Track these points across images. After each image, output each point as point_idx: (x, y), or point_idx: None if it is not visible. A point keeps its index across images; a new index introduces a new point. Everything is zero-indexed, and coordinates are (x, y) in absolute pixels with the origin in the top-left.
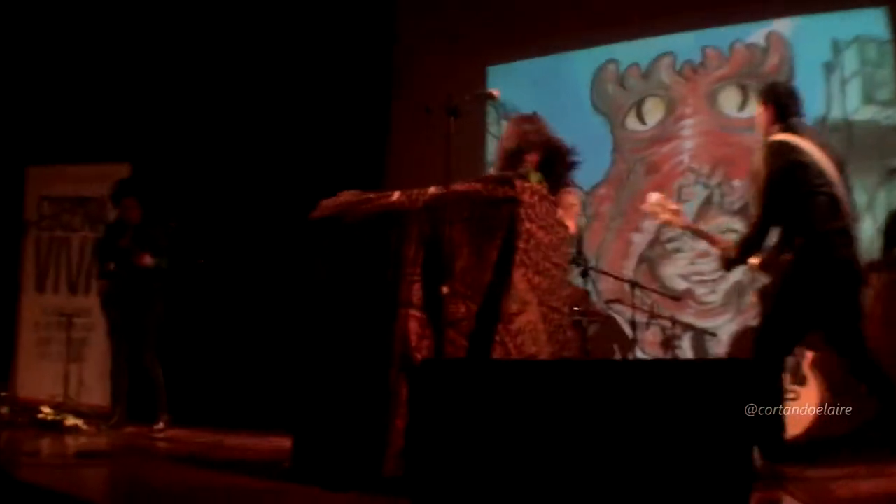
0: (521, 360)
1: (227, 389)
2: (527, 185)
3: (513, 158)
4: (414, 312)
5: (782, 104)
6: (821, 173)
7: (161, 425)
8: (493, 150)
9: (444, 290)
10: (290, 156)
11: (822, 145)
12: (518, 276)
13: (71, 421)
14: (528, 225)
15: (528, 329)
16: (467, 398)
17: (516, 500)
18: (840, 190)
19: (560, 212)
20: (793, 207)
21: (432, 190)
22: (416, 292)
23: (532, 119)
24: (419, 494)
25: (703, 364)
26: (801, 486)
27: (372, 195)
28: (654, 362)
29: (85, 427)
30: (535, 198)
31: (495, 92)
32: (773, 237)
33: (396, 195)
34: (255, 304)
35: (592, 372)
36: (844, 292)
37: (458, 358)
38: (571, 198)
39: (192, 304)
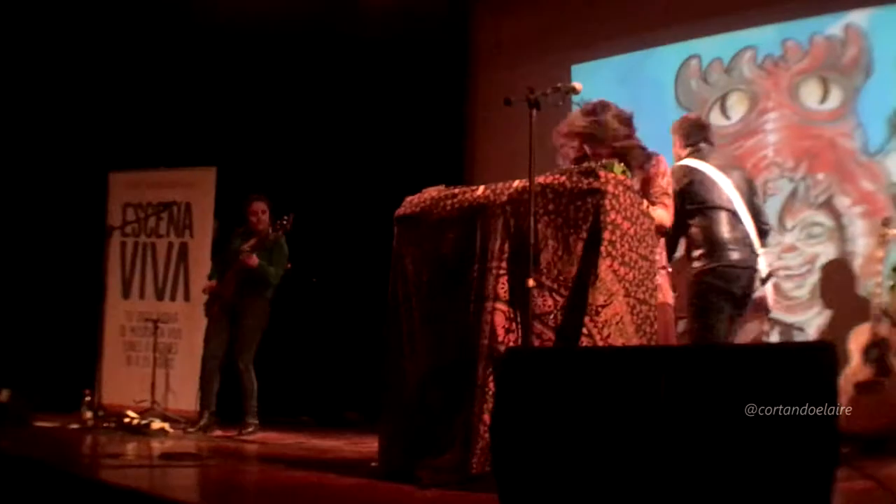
0: (605, 348)
1: (316, 389)
2: (611, 175)
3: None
4: (500, 306)
5: (686, 133)
6: (719, 191)
7: (250, 429)
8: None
9: (531, 283)
10: (373, 153)
11: (729, 167)
12: (604, 267)
13: (157, 424)
14: (613, 216)
15: (616, 321)
16: (553, 388)
17: (605, 493)
18: (739, 205)
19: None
20: (693, 220)
21: (516, 183)
22: (503, 286)
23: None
24: (507, 491)
25: (787, 349)
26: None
27: (456, 190)
28: (743, 348)
29: (171, 430)
30: (620, 188)
31: (577, 85)
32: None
33: (481, 190)
34: (346, 302)
35: (679, 358)
36: (734, 293)
37: (542, 347)
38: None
39: (286, 304)
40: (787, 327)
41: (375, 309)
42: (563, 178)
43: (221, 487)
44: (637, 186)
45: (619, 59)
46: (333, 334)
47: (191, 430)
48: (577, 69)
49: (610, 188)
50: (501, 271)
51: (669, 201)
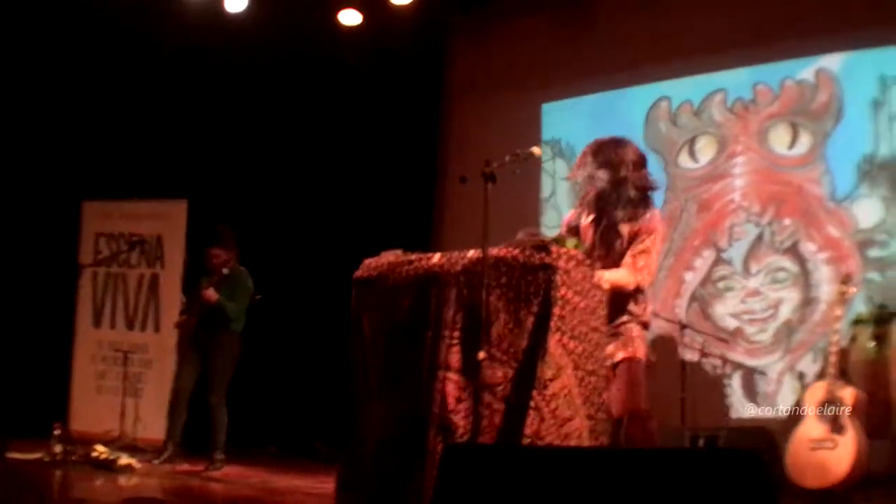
0: (543, 448)
1: (285, 419)
2: (563, 251)
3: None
4: (452, 375)
5: None
6: None
7: (217, 464)
8: (547, 187)
9: (482, 355)
10: (344, 186)
11: None
12: (553, 342)
13: (124, 460)
14: (564, 291)
15: (563, 394)
16: (491, 485)
17: None
18: None
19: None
20: None
21: (471, 254)
22: (455, 355)
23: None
24: None
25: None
26: None
27: (413, 257)
28: (674, 452)
29: (138, 466)
30: (572, 263)
31: (536, 151)
32: None
33: (437, 257)
34: (315, 332)
35: (616, 461)
36: None
37: (481, 444)
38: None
39: (257, 335)
40: (748, 371)
41: (344, 339)
42: (517, 251)
43: None
44: (625, 234)
45: (589, 99)
46: (303, 365)
47: (156, 461)
48: (547, 108)
49: (561, 263)
50: (454, 341)
51: (645, 261)
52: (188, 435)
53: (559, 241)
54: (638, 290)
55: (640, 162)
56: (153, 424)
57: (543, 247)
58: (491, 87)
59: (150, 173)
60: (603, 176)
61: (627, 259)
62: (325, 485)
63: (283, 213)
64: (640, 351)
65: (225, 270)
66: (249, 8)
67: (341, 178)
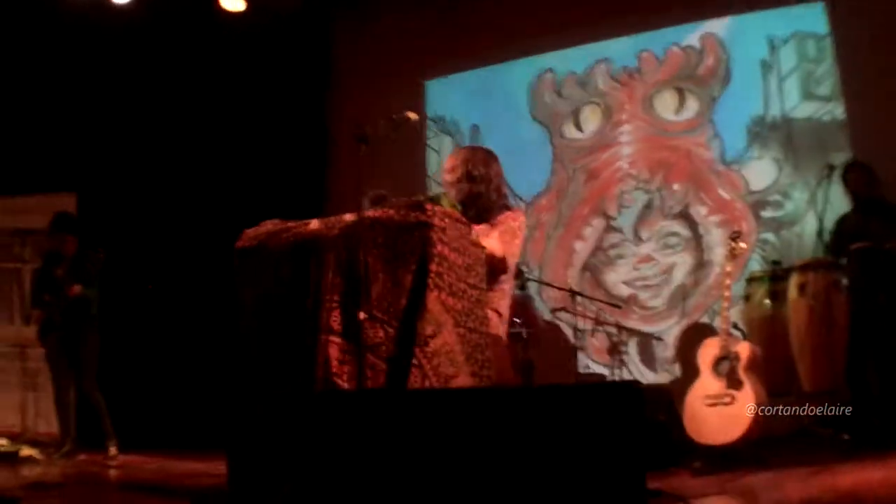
0: (415, 391)
1: (172, 411)
2: (437, 208)
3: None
4: (334, 339)
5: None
6: None
7: (112, 451)
8: (433, 162)
9: (362, 315)
10: (235, 182)
11: None
12: (432, 298)
13: (26, 451)
14: (440, 248)
15: (445, 351)
16: (365, 430)
17: None
18: None
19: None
20: None
21: (348, 217)
22: (336, 318)
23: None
24: None
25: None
26: (731, 493)
27: (291, 224)
28: (535, 389)
29: (40, 457)
30: (447, 221)
31: (412, 115)
32: None
33: (314, 223)
34: (195, 329)
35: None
36: None
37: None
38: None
39: (136, 329)
40: (645, 337)
41: (220, 338)
42: (392, 211)
43: None
44: (484, 227)
45: (473, 74)
46: (189, 359)
47: (56, 455)
48: (431, 85)
49: (437, 221)
50: (334, 304)
51: (510, 241)
52: (84, 429)
53: (434, 199)
54: (501, 269)
55: (501, 184)
56: (54, 419)
57: (418, 205)
58: (375, 67)
59: (36, 167)
60: (464, 187)
61: (495, 234)
62: (222, 468)
63: (176, 202)
64: (497, 329)
65: (80, 256)
66: None
67: (232, 165)
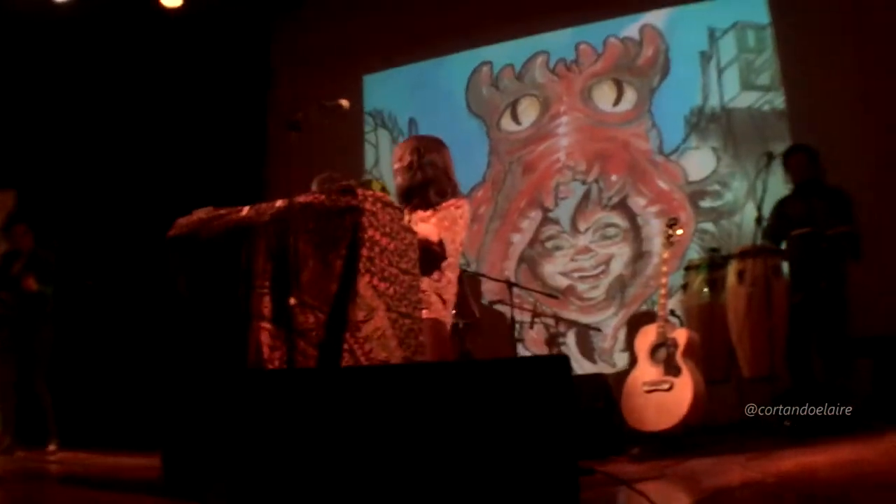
0: (346, 368)
1: (112, 409)
2: (369, 193)
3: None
4: (265, 324)
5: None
6: None
7: (52, 447)
8: (371, 156)
9: (292, 301)
10: (174, 176)
11: None
12: (363, 283)
13: None
14: (371, 233)
15: (377, 336)
16: (291, 409)
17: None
18: None
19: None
20: None
21: (279, 203)
22: (267, 305)
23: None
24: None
25: (516, 362)
26: (670, 477)
27: (223, 211)
28: (464, 363)
29: None
30: (378, 205)
31: (344, 102)
32: None
33: (245, 210)
34: (133, 323)
35: (418, 375)
36: None
37: (274, 369)
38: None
39: (76, 325)
40: (583, 328)
41: (156, 329)
42: (322, 196)
43: None
44: (429, 213)
45: (410, 68)
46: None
47: None
48: (369, 79)
49: (367, 205)
50: (265, 290)
51: (450, 227)
52: (22, 427)
53: (365, 183)
54: (440, 255)
55: (449, 170)
56: None
57: (349, 189)
58: (313, 61)
59: None
60: (415, 175)
61: (433, 220)
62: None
63: (116, 197)
64: (441, 314)
65: (35, 251)
66: None
67: (172, 158)
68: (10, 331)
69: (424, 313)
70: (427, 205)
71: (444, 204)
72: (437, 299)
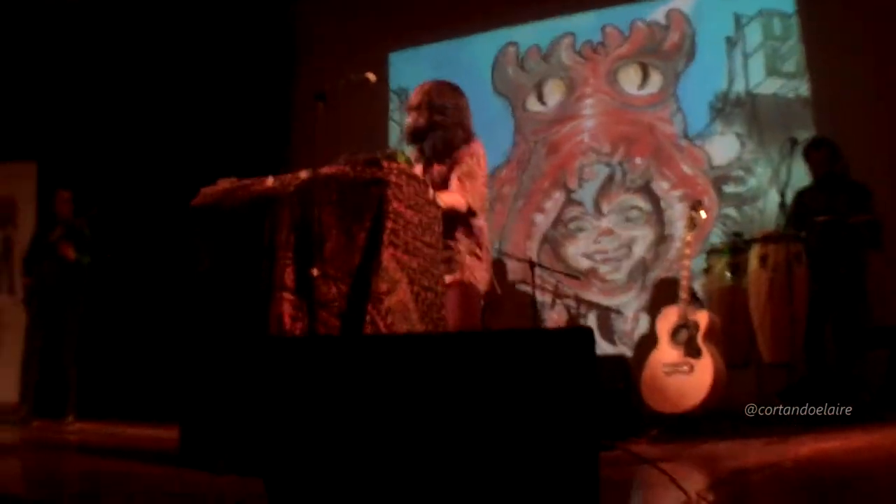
0: (366, 336)
1: (132, 381)
2: (394, 165)
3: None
4: (287, 295)
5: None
6: None
7: (70, 419)
8: (395, 135)
9: (315, 272)
10: (200, 150)
11: None
12: (387, 256)
13: None
14: (395, 205)
15: (399, 308)
16: (312, 376)
17: (372, 479)
18: None
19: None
20: None
21: (303, 174)
22: (289, 275)
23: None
24: (271, 476)
25: (539, 333)
26: (688, 459)
27: (248, 182)
28: (486, 333)
29: None
30: (403, 178)
31: (371, 76)
32: None
33: (270, 181)
34: (156, 294)
35: (438, 345)
36: None
37: (295, 337)
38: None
39: (99, 297)
40: (604, 310)
41: (178, 300)
42: (347, 168)
43: (44, 477)
44: (445, 168)
45: (436, 47)
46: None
47: (12, 420)
48: (394, 57)
49: (393, 178)
50: (288, 261)
51: (471, 184)
52: (40, 397)
53: (390, 156)
54: (470, 215)
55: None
56: (10, 387)
57: (374, 161)
58: (339, 38)
59: None
60: (425, 115)
61: (454, 181)
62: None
63: (139, 170)
64: (473, 277)
65: (77, 221)
66: None
67: (197, 133)
68: (43, 301)
69: (455, 275)
70: (438, 155)
71: (457, 155)
72: (472, 258)
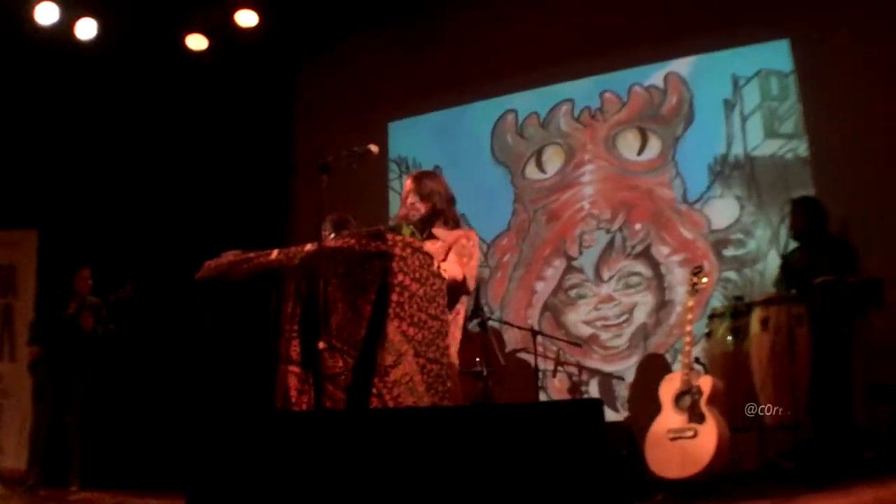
0: (375, 410)
1: (132, 449)
2: (398, 238)
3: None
4: (293, 368)
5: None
6: None
7: (74, 488)
8: (395, 203)
9: (321, 345)
10: (199, 217)
11: None
12: (392, 328)
13: None
14: (401, 278)
15: (405, 381)
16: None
17: None
18: None
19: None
20: None
21: (308, 247)
22: (295, 348)
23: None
24: None
25: (549, 406)
26: None
27: (252, 254)
28: (496, 407)
29: (2, 491)
30: (408, 251)
31: (374, 148)
32: None
33: (274, 253)
34: (160, 366)
35: (452, 418)
36: None
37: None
38: (472, 242)
39: (108, 368)
40: (606, 377)
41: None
42: (353, 241)
43: None
44: (442, 239)
45: (435, 116)
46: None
47: (21, 488)
48: (394, 126)
49: (397, 250)
50: (294, 334)
51: (467, 261)
52: (46, 464)
53: (395, 228)
54: (465, 290)
55: (451, 197)
56: (13, 453)
57: (379, 234)
58: (338, 108)
59: None
60: (420, 207)
61: (452, 256)
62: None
63: (139, 237)
64: (454, 357)
65: (91, 298)
66: (99, 35)
67: (196, 200)
68: (52, 369)
69: None
70: (432, 235)
71: (453, 237)
72: (452, 341)
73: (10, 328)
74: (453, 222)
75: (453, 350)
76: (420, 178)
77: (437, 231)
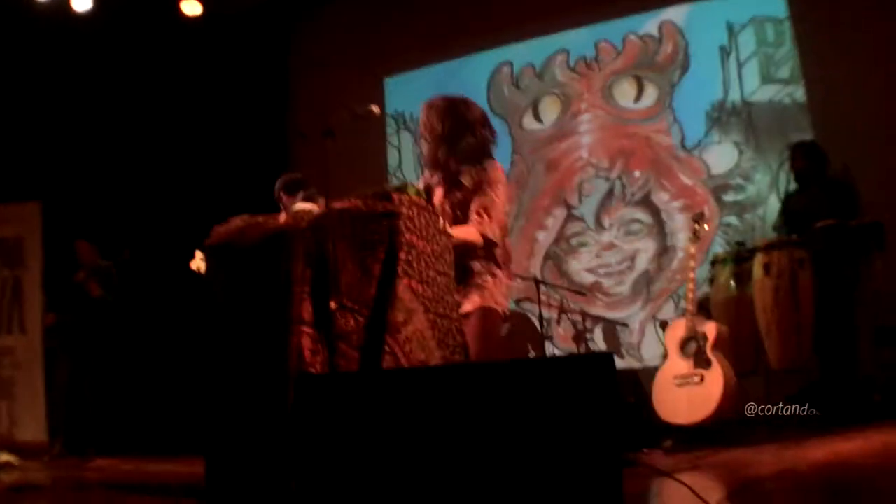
0: (395, 370)
1: (148, 416)
2: (405, 197)
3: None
4: (306, 329)
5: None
6: None
7: (91, 454)
8: (394, 159)
9: (332, 305)
10: (199, 182)
11: None
12: (402, 286)
13: (4, 457)
14: (408, 236)
15: (416, 337)
16: (346, 410)
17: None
18: None
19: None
20: None
21: (315, 209)
22: (307, 309)
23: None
24: None
25: (561, 361)
26: (704, 468)
27: (260, 218)
28: (528, 362)
29: (17, 463)
30: (415, 210)
31: (376, 109)
32: None
33: (283, 217)
34: (168, 334)
35: (462, 375)
36: None
37: (335, 372)
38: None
39: (122, 335)
40: (610, 324)
41: (195, 338)
42: (359, 202)
43: None
44: (467, 185)
45: (432, 70)
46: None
47: (46, 458)
48: (390, 82)
49: (404, 210)
50: (305, 295)
51: (495, 213)
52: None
53: (401, 188)
54: (488, 248)
55: (483, 120)
56: (29, 425)
57: (385, 195)
58: (334, 65)
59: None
60: (443, 131)
61: (473, 215)
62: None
63: (142, 205)
64: (494, 300)
65: (101, 262)
66: (95, 4)
67: (196, 165)
68: (66, 338)
69: (475, 301)
70: (456, 182)
71: (480, 178)
72: (492, 280)
73: (20, 300)
74: (471, 154)
75: (501, 296)
76: (439, 112)
77: (463, 178)
